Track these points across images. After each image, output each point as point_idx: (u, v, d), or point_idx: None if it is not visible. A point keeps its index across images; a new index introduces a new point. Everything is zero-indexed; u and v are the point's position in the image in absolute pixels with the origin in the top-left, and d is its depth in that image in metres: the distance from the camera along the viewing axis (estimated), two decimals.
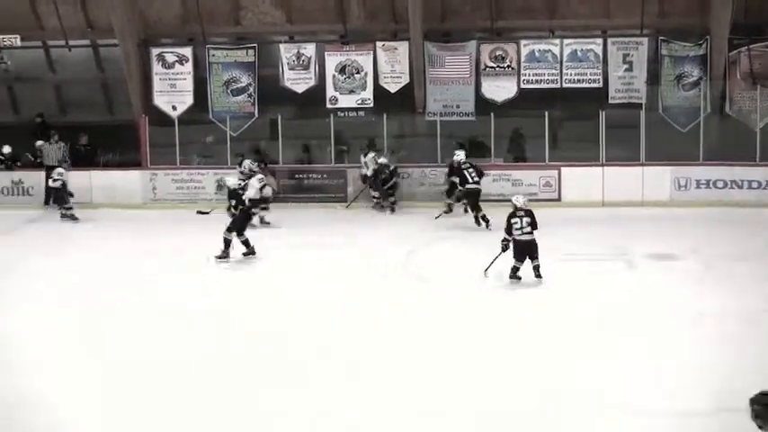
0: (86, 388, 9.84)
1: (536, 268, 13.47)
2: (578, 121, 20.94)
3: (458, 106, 20.80)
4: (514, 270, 13.56)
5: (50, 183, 20.04)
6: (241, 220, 15.82)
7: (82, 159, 22.09)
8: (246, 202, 16.28)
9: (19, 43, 21.92)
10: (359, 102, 21.16)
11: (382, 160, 19.37)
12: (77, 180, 21.01)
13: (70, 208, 19.89)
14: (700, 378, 9.46)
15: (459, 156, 17.69)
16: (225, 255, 15.51)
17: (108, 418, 9.06)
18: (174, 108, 21.83)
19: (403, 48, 20.90)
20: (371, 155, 20.02)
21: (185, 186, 21.35)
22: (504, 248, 13.60)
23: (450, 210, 18.52)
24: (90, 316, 12.55)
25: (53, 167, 20.81)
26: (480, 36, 20.95)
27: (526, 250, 13.53)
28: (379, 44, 21.05)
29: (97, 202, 21.11)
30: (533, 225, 13.58)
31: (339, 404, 9.24)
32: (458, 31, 21.26)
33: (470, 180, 17.31)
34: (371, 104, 21.15)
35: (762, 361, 9.79)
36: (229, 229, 15.57)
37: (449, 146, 20.27)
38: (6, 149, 21.86)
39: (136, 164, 21.72)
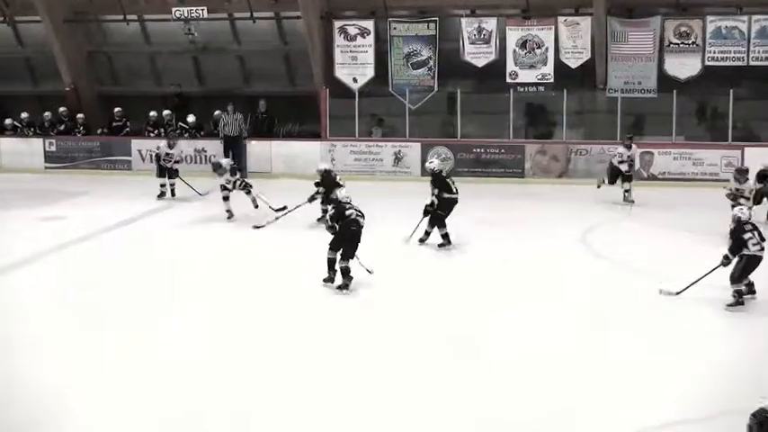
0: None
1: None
2: (765, 100, 22.94)
3: (639, 83, 23.14)
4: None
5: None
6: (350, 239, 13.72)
7: (260, 127, 25.49)
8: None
9: (206, 15, 25.36)
10: (539, 77, 23.74)
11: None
12: (258, 149, 24.64)
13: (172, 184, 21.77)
14: None
15: (434, 164, 16.71)
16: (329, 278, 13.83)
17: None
18: (355, 80, 24.92)
19: (585, 23, 23.34)
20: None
21: (363, 158, 24.44)
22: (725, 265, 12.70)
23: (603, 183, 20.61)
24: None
25: (233, 138, 24.32)
26: (665, 12, 23.21)
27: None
28: (560, 19, 23.54)
29: (277, 172, 24.35)
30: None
31: None
32: (642, 6, 23.59)
33: (454, 189, 16.26)
34: (552, 80, 23.67)
35: None
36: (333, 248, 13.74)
37: (629, 122, 23.06)
38: (191, 119, 25.39)
39: (316, 135, 25.00)
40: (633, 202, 19.80)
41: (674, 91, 22.70)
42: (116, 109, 26.49)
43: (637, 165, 20.94)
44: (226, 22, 26.43)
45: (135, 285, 14.04)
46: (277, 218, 18.29)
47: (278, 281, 14.03)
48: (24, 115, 26.89)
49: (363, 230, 13.51)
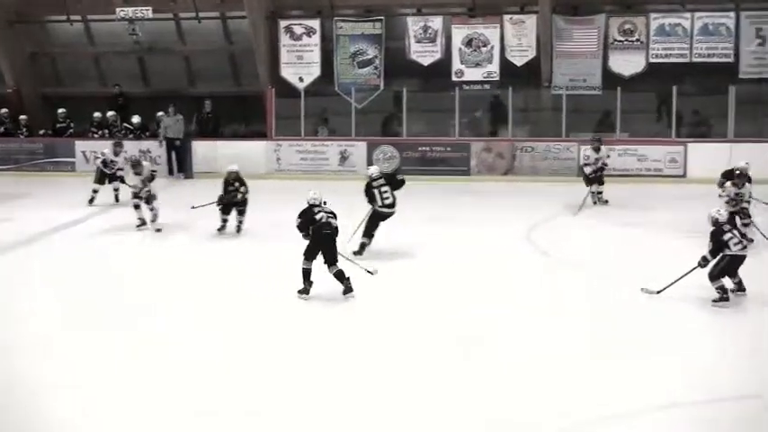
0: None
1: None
2: (707, 96, 23.07)
3: (584, 80, 23.20)
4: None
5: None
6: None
7: (205, 127, 25.25)
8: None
9: (151, 15, 25.12)
10: (485, 75, 23.73)
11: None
12: (203, 150, 24.39)
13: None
14: None
15: (369, 170, 15.82)
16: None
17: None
18: (301, 80, 24.78)
19: (530, 21, 23.39)
20: None
21: (309, 158, 24.25)
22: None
23: None
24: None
25: (174, 140, 24.06)
26: (609, 9, 23.38)
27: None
28: (506, 17, 23.59)
29: (223, 172, 23.89)
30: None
31: None
32: (586, 4, 23.70)
33: (381, 202, 15.10)
34: (497, 78, 23.67)
35: None
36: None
37: (575, 120, 23.10)
38: (136, 119, 25.07)
39: (261, 135, 24.80)
40: (607, 202, 19.21)
41: (619, 88, 22.67)
42: (60, 110, 26.08)
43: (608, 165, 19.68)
44: (171, 23, 26.27)
45: (88, 286, 13.73)
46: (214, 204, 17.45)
47: (250, 288, 13.37)
48: None
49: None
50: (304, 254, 12.55)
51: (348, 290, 12.52)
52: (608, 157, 19.58)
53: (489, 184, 22.56)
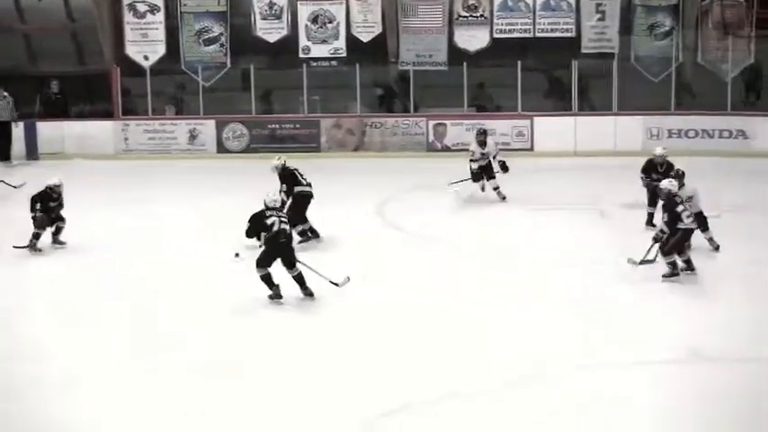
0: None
1: None
2: (551, 71, 23.27)
3: (431, 56, 23.09)
4: None
5: None
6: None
7: (53, 108, 24.27)
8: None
9: None
10: (332, 51, 23.47)
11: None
12: (49, 130, 23.51)
13: None
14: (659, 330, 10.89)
15: (281, 159, 15.12)
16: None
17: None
18: (146, 58, 24.06)
19: None
20: None
21: (157, 137, 23.64)
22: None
23: None
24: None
25: (5, 123, 22.90)
26: None
27: None
28: None
29: (69, 152, 23.31)
30: None
31: None
32: None
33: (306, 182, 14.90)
34: (344, 54, 23.41)
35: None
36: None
37: (422, 96, 23.16)
38: None
39: (108, 114, 24.06)
40: (504, 198, 17.42)
41: (465, 63, 22.62)
42: None
43: (494, 164, 17.52)
44: (9, 0, 25.20)
45: None
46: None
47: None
48: None
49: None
50: (257, 262, 11.74)
51: (309, 294, 11.84)
52: (498, 151, 17.67)
53: (340, 161, 22.30)
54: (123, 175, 21.54)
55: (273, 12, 23.47)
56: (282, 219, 11.88)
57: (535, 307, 11.65)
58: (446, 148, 22.61)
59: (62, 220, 14.93)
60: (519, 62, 22.54)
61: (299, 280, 11.80)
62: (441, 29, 23.03)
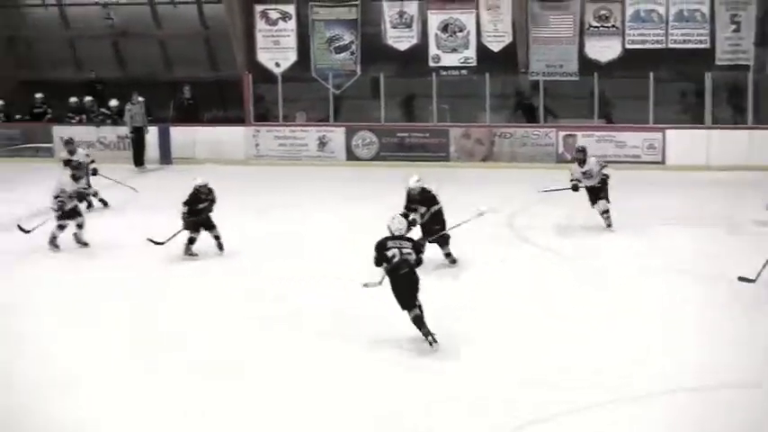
0: None
1: None
2: (684, 83, 22.84)
3: (561, 66, 22.83)
4: None
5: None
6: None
7: (185, 114, 24.81)
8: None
9: None
10: (461, 60, 23.38)
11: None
12: (182, 135, 23.96)
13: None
14: None
15: (420, 181, 14.10)
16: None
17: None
18: (278, 65, 24.34)
19: (506, 6, 23.01)
20: None
21: (287, 143, 23.85)
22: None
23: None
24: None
25: (139, 129, 23.43)
26: None
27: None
28: (481, 2, 23.18)
29: (201, 157, 23.71)
30: None
31: None
32: None
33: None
34: (474, 63, 23.32)
35: None
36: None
37: (552, 106, 23.05)
38: (113, 103, 24.55)
39: (239, 120, 24.37)
40: (610, 225, 15.88)
41: (595, 74, 22.29)
42: (37, 95, 25.73)
43: (594, 181, 15.95)
44: (146, 7, 25.86)
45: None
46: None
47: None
48: None
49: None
50: (401, 306, 10.57)
51: (430, 340, 10.42)
52: (600, 169, 16.01)
53: (469, 171, 22.22)
54: (254, 180, 21.81)
55: (404, 20, 23.50)
56: (405, 249, 10.65)
57: (635, 320, 11.45)
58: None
59: (212, 227, 14.96)
60: (651, 73, 22.11)
61: (417, 322, 10.49)
62: (571, 39, 22.75)
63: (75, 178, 15.69)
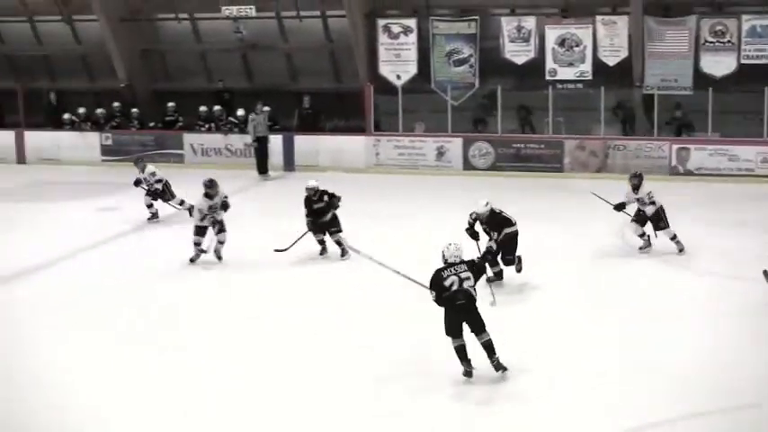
0: None
1: None
2: None
3: (676, 80, 23.11)
4: None
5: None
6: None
7: (304, 123, 25.74)
8: None
9: (254, 13, 25.68)
10: (577, 74, 23.81)
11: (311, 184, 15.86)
12: (305, 144, 25.01)
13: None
14: None
15: (488, 205, 13.97)
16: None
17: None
18: (399, 77, 25.08)
19: (622, 22, 23.41)
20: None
21: (406, 153, 24.57)
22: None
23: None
24: None
25: (263, 138, 24.29)
26: (701, 11, 23.24)
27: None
28: (598, 18, 23.62)
29: (324, 165, 24.53)
30: None
31: None
32: (678, 5, 23.66)
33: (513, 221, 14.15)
34: (590, 77, 23.74)
35: None
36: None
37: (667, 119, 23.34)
38: (240, 113, 25.55)
39: (360, 130, 25.24)
40: (682, 250, 15.72)
41: (710, 88, 22.53)
42: (169, 104, 26.88)
43: (649, 210, 15.72)
44: (273, 21, 26.70)
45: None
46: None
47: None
48: (81, 110, 27.31)
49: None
50: (446, 331, 10.46)
51: (498, 367, 10.42)
52: (650, 198, 15.71)
53: (582, 182, 22.48)
54: (374, 188, 22.43)
55: (522, 35, 24.00)
56: (463, 274, 10.41)
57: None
58: (688, 173, 22.54)
59: (333, 231, 15.56)
60: (766, 88, 22.26)
61: (488, 348, 10.42)
62: (686, 54, 22.98)
63: (209, 196, 15.65)
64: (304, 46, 26.87)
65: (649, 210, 15.62)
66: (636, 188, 15.83)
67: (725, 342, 11.40)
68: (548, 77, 23.99)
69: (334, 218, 15.67)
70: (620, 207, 16.03)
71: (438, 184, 22.76)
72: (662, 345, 11.35)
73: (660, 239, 15.69)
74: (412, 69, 25.07)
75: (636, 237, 15.89)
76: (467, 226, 13.89)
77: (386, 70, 25.25)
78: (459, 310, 10.32)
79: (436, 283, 10.44)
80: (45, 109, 28.07)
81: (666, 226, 15.65)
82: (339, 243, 15.63)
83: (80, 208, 20.73)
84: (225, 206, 15.76)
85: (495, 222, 13.84)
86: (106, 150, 26.81)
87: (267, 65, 27.32)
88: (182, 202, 19.21)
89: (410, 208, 19.94)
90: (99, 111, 27.20)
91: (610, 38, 23.45)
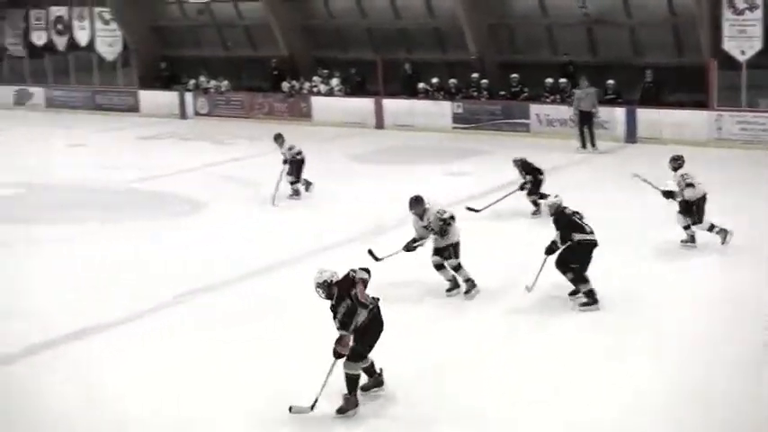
0: None
1: None
2: None
3: None
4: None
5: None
6: None
7: (647, 96, 26.33)
8: None
9: None
10: None
11: None
12: (647, 117, 25.81)
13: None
14: None
15: (558, 199, 12.79)
16: None
17: None
18: (743, 53, 25.17)
19: None
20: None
21: (749, 128, 24.76)
22: None
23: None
24: None
25: (587, 114, 25.04)
26: None
27: None
28: None
29: (666, 138, 25.04)
30: None
31: None
32: None
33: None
34: None
35: None
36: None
37: None
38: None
39: (701, 104, 25.60)
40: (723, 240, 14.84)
41: None
42: (512, 75, 28.27)
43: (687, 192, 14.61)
44: None
45: None
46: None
47: None
48: (435, 80, 29.19)
49: None
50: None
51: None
52: (683, 187, 14.63)
53: None
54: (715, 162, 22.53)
55: None
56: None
57: None
58: None
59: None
60: None
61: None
62: None
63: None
64: (648, 21, 27.36)
65: (688, 193, 14.47)
66: (675, 171, 14.82)
67: None
68: None
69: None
70: (666, 195, 14.84)
71: None
72: None
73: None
74: (757, 45, 25.05)
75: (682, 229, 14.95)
76: None
77: (730, 45, 25.37)
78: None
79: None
80: (401, 78, 30.24)
81: (699, 221, 14.66)
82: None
83: (430, 170, 22.48)
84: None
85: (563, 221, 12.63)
86: (457, 118, 28.60)
87: (611, 39, 28.02)
88: (307, 185, 19.99)
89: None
90: (451, 81, 28.91)
91: None
